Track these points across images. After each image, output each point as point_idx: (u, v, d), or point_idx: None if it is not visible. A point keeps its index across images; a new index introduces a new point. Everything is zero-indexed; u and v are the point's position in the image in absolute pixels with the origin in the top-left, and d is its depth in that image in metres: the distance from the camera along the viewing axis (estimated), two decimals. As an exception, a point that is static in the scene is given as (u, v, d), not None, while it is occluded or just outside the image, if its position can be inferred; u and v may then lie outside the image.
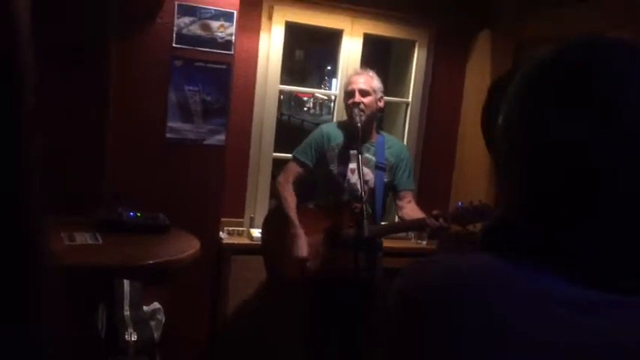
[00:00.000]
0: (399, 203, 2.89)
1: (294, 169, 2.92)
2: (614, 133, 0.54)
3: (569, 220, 0.57)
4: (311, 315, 2.94)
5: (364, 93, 2.76)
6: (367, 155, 2.80)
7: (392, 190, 2.90)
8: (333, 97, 3.71)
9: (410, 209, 2.82)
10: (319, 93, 10.91)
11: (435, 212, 2.62)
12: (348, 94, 2.80)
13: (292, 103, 10.89)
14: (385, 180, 2.84)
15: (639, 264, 0.55)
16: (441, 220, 2.58)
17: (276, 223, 2.90)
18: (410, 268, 0.67)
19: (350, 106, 2.77)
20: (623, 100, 0.55)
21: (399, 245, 3.51)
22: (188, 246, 2.20)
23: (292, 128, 8.81)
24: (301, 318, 2.97)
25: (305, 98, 11.46)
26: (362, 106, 2.74)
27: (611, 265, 0.55)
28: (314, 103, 11.09)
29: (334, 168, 2.84)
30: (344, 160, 2.84)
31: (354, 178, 2.80)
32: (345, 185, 2.83)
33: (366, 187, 2.64)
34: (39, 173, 0.49)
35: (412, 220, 2.74)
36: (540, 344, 0.52)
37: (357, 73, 2.89)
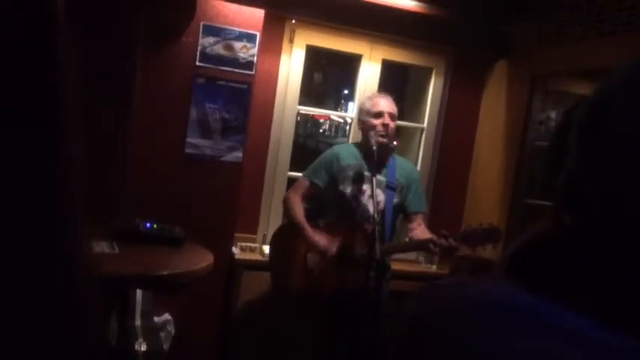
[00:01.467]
0: (410, 225, 2.91)
1: (303, 187, 2.94)
2: None
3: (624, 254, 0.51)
4: (318, 331, 2.95)
5: (392, 117, 2.80)
6: (378, 176, 2.81)
7: (402, 211, 2.92)
8: (349, 120, 3.76)
9: (420, 231, 2.83)
10: (335, 115, 10.97)
11: (443, 232, 2.63)
12: (375, 114, 2.79)
13: (308, 124, 10.96)
14: (395, 200, 2.86)
15: None
16: (450, 239, 2.60)
17: (284, 239, 2.93)
18: (420, 293, 0.64)
19: (371, 127, 2.79)
20: None
21: (408, 269, 3.54)
22: (202, 259, 2.25)
23: (308, 149, 8.88)
24: (309, 334, 2.98)
25: (321, 120, 11.53)
26: (390, 129, 2.77)
27: None
28: (330, 125, 11.15)
29: (345, 188, 2.86)
30: (355, 181, 2.87)
31: (364, 200, 2.84)
32: (355, 206, 2.85)
33: (378, 208, 2.67)
34: (84, 177, 0.48)
35: (421, 239, 2.74)
36: None
37: (380, 96, 2.89)
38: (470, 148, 3.89)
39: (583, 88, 3.89)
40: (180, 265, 2.16)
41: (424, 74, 3.83)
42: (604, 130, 0.55)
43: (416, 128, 3.85)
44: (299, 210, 2.88)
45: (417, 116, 3.87)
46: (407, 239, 3.05)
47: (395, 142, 2.81)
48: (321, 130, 12.09)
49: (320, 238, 2.79)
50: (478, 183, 3.84)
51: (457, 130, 3.83)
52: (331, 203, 2.93)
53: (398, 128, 3.43)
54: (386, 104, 2.82)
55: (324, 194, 2.94)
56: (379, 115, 2.78)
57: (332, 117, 11.89)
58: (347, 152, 2.95)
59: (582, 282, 0.53)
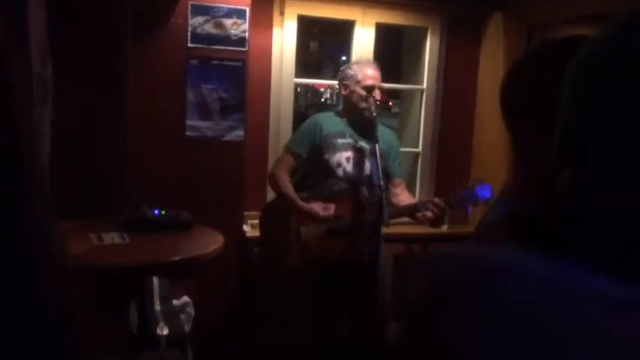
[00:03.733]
0: (394, 190, 2.93)
1: (287, 161, 2.92)
2: None
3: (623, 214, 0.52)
4: (321, 303, 2.97)
5: (381, 88, 2.84)
6: (362, 143, 2.82)
7: (385, 176, 2.92)
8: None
9: (404, 196, 2.91)
10: (334, 82, 10.88)
11: (434, 199, 2.64)
12: (367, 88, 2.78)
13: (309, 94, 10.89)
14: (380, 167, 2.86)
15: None
16: (436, 202, 2.59)
17: (273, 217, 2.94)
18: (431, 262, 0.63)
19: (361, 98, 2.78)
20: None
21: (412, 231, 3.52)
22: (212, 241, 2.26)
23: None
24: (311, 307, 3.01)
25: (322, 89, 11.42)
26: (379, 102, 2.77)
27: None
28: (331, 94, 11.06)
29: (329, 157, 2.83)
30: (340, 149, 2.84)
31: (352, 167, 2.83)
32: (341, 174, 2.83)
33: (364, 175, 2.68)
34: (46, 178, 0.49)
35: (409, 204, 2.80)
36: (565, 344, 0.47)
37: (369, 66, 2.87)
38: (472, 104, 3.85)
39: (584, 30, 3.83)
40: (191, 249, 2.18)
41: (419, 35, 3.77)
42: (600, 81, 0.54)
43: (416, 90, 3.81)
44: (287, 184, 2.86)
45: (415, 78, 3.83)
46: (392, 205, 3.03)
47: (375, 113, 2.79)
48: (322, 100, 12.00)
49: (315, 207, 2.78)
50: (483, 139, 3.82)
51: (457, 88, 3.79)
52: (318, 173, 2.91)
53: (397, 92, 3.41)
54: (378, 77, 2.82)
55: (309, 165, 2.92)
56: (371, 89, 2.78)
57: (333, 86, 11.82)
58: (329, 121, 2.93)
59: (595, 240, 0.53)
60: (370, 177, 2.80)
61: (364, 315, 2.84)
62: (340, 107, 3.12)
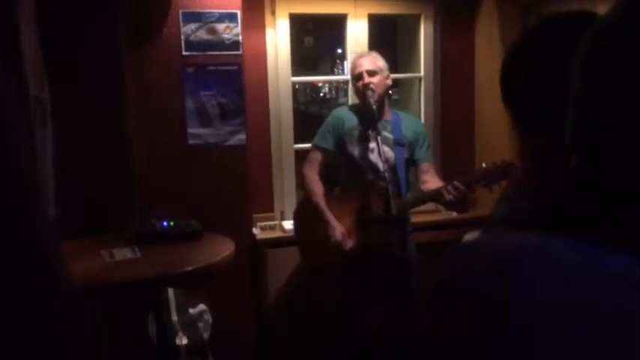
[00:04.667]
0: (422, 177, 2.92)
1: (316, 158, 2.98)
2: None
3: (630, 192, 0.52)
4: (350, 297, 2.98)
5: (371, 73, 2.80)
6: (385, 134, 2.83)
7: (412, 164, 2.93)
8: (347, 79, 3.72)
9: (433, 182, 2.85)
10: (331, 78, 10.89)
11: (454, 183, 2.63)
12: (356, 77, 2.83)
13: (308, 91, 10.87)
14: (405, 156, 2.88)
15: None
16: (458, 184, 2.60)
17: (306, 213, 2.95)
18: (447, 256, 0.63)
19: (360, 89, 2.81)
20: None
21: (430, 219, 3.54)
22: (223, 248, 2.26)
23: (311, 117, 8.82)
24: (341, 302, 3.01)
25: (319, 85, 11.41)
26: (372, 85, 2.77)
27: None
28: (329, 88, 11.04)
29: (353, 150, 2.89)
30: (362, 141, 2.88)
31: (374, 158, 2.84)
32: (366, 166, 2.87)
33: (386, 165, 2.68)
34: (47, 202, 0.51)
35: (433, 189, 2.76)
36: (588, 324, 0.48)
37: (360, 56, 2.92)
38: (471, 88, 3.83)
39: (579, 6, 3.79)
40: (203, 258, 2.17)
41: (413, 22, 3.75)
42: (608, 64, 0.53)
43: (414, 78, 3.79)
44: (318, 188, 2.91)
45: (412, 66, 3.81)
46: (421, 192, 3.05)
47: (376, 97, 2.77)
48: (321, 95, 11.98)
49: (335, 226, 2.80)
50: (485, 122, 3.80)
51: (455, 72, 3.77)
52: (342, 167, 2.95)
53: (395, 81, 3.38)
54: (364, 62, 2.82)
55: (336, 159, 2.96)
56: (359, 76, 2.81)
57: (329, 79, 11.78)
58: (347, 114, 2.98)
59: (612, 220, 0.53)
60: (395, 167, 2.80)
61: (397, 304, 2.85)
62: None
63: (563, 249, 0.53)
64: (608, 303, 0.48)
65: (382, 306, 2.97)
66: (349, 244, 2.78)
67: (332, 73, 11.49)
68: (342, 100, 11.50)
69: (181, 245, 2.36)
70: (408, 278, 2.86)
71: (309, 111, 10.24)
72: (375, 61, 2.82)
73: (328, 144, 2.95)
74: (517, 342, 0.50)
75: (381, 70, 2.82)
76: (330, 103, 12.46)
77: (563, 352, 0.48)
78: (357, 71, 2.82)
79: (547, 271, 0.52)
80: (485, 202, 3.67)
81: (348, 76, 3.68)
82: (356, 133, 2.88)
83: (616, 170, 0.53)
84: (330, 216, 2.82)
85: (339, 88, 11.49)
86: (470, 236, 3.27)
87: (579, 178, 0.57)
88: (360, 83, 2.80)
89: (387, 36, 4.20)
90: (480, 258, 0.59)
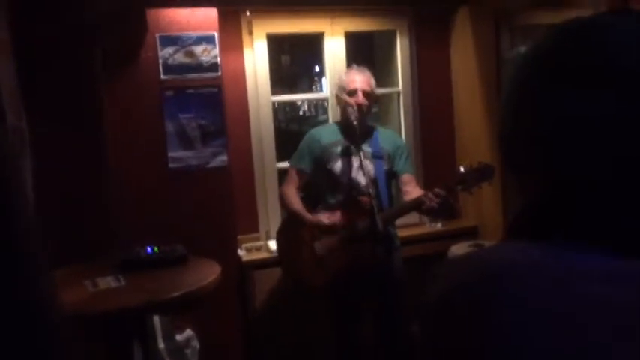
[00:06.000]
0: (404, 188, 2.91)
1: (293, 178, 2.96)
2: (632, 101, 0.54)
3: (601, 195, 0.56)
4: (337, 315, 2.96)
5: (367, 94, 2.80)
6: (364, 147, 2.81)
7: (393, 177, 2.92)
8: (326, 96, 3.73)
9: (415, 193, 2.82)
10: (311, 96, 10.94)
11: (435, 190, 2.63)
12: (350, 92, 2.80)
13: (287, 109, 10.89)
14: (385, 168, 2.87)
15: None
16: (436, 192, 2.59)
17: (288, 233, 2.93)
18: (440, 272, 0.66)
19: (349, 103, 2.79)
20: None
21: (415, 232, 3.55)
22: (209, 272, 2.23)
23: (291, 135, 8.83)
24: (330, 320, 2.99)
25: (298, 102, 11.44)
26: (363, 106, 2.78)
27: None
28: (308, 106, 11.07)
29: (333, 166, 2.86)
30: (344, 157, 2.86)
31: (355, 173, 2.83)
32: (347, 182, 2.85)
33: (369, 180, 2.67)
34: (38, 232, 0.50)
35: (413, 198, 2.73)
36: (573, 313, 0.52)
37: (356, 72, 2.88)
38: (449, 99, 3.86)
39: (548, 19, 3.86)
40: (189, 283, 2.15)
41: (389, 38, 3.78)
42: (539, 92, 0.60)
43: (392, 93, 3.82)
44: (295, 200, 2.89)
45: (390, 80, 3.84)
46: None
47: (360, 115, 2.77)
48: (300, 113, 12.02)
49: (320, 217, 2.79)
50: (464, 133, 3.83)
51: (432, 85, 3.81)
52: (324, 184, 2.93)
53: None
54: (361, 80, 2.82)
55: (315, 178, 2.94)
56: (353, 92, 2.80)
57: (307, 98, 11.85)
58: (326, 132, 2.96)
59: (585, 223, 0.57)
60: (376, 180, 2.80)
61: (386, 319, 2.83)
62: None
63: (548, 255, 0.56)
64: (585, 293, 0.52)
65: (371, 321, 2.96)
66: (331, 264, 2.76)
67: (310, 90, 11.56)
68: (321, 117, 11.54)
69: (167, 271, 2.33)
70: (394, 293, 2.85)
71: (289, 129, 10.26)
72: (370, 82, 2.84)
73: (304, 164, 2.92)
74: (513, 349, 0.52)
75: (372, 92, 2.84)
76: (309, 120, 12.50)
77: (561, 354, 0.50)
78: (352, 87, 2.80)
79: (537, 279, 0.55)
80: (469, 213, 3.70)
81: (327, 94, 3.71)
82: (337, 150, 2.87)
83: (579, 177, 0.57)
84: (310, 217, 2.81)
85: (317, 105, 11.54)
86: (456, 249, 3.28)
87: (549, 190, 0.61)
88: (352, 100, 2.78)
89: (364, 52, 4.23)
90: (472, 272, 0.61)
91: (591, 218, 0.57)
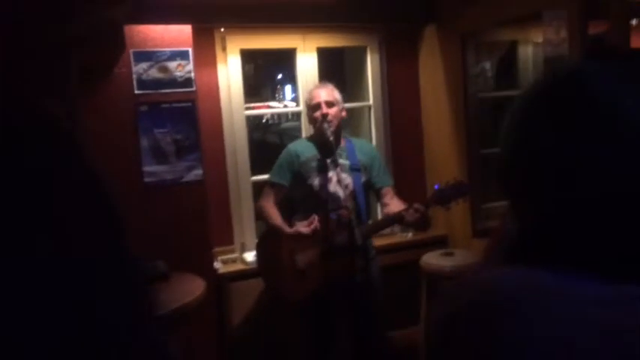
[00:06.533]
0: (383, 201, 2.99)
1: (271, 192, 3.00)
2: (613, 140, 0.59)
3: (590, 224, 0.61)
4: (316, 326, 3.02)
5: (329, 104, 2.86)
6: (340, 160, 2.88)
7: (371, 188, 3.00)
8: (298, 111, 3.79)
9: (394, 205, 2.91)
10: (274, 104, 10.96)
11: (414, 205, 2.73)
12: (314, 107, 2.88)
13: (251, 119, 10.89)
14: (362, 180, 2.93)
15: None
16: (416, 207, 2.70)
17: (268, 247, 2.96)
18: (446, 293, 0.71)
19: (317, 119, 2.86)
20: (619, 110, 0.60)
21: (388, 242, 3.64)
22: (194, 287, 2.26)
23: (255, 144, 8.85)
24: (309, 332, 3.04)
25: (262, 111, 11.46)
26: (329, 117, 2.83)
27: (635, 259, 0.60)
28: (272, 114, 11.14)
29: (312, 181, 2.91)
30: (321, 171, 2.92)
31: (333, 187, 2.90)
32: (325, 196, 2.91)
33: (346, 193, 2.74)
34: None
35: (394, 212, 2.82)
36: (566, 336, 0.56)
37: (317, 87, 2.97)
38: (418, 114, 3.99)
39: (511, 35, 4.03)
40: (174, 300, 2.17)
41: (360, 54, 3.88)
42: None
43: (363, 107, 3.92)
44: (274, 213, 2.93)
45: (361, 95, 3.94)
46: (383, 215, 3.13)
47: (333, 128, 2.84)
48: (264, 121, 12.04)
49: (299, 227, 2.83)
50: (432, 146, 3.95)
51: (402, 99, 3.92)
52: (303, 199, 2.98)
53: (346, 110, 3.45)
54: (321, 93, 2.89)
55: (294, 192, 2.99)
56: (317, 106, 2.87)
57: (271, 105, 11.90)
58: (303, 147, 3.01)
59: (576, 251, 0.62)
60: (354, 192, 2.86)
61: (363, 329, 2.90)
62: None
63: (551, 281, 0.62)
64: (579, 318, 0.57)
65: (347, 331, 3.02)
66: (311, 278, 2.82)
67: (273, 98, 11.60)
68: (284, 124, 11.58)
69: (149, 288, 2.34)
70: (372, 302, 2.93)
71: (253, 138, 10.30)
72: (332, 93, 2.90)
73: (283, 179, 2.97)
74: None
75: (338, 102, 2.89)
76: (271, 128, 12.52)
77: None
78: (315, 102, 2.87)
79: (542, 303, 0.60)
80: (439, 223, 3.82)
81: (300, 108, 3.77)
82: (314, 164, 2.93)
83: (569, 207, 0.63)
84: (290, 228, 2.85)
85: (280, 114, 11.60)
86: (428, 257, 3.39)
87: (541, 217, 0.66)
88: (318, 113, 2.85)
89: (336, 67, 4.32)
90: (480, 293, 0.66)
91: (583, 245, 0.62)
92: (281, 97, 12.66)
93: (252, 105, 6.06)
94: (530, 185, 0.67)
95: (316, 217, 2.81)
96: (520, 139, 0.68)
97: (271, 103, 12.98)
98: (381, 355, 2.94)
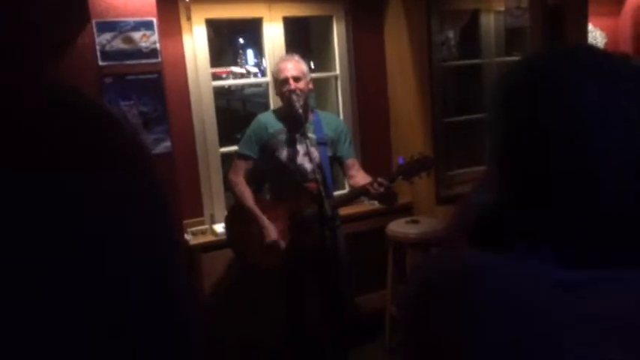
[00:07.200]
0: (349, 173, 3.06)
1: (241, 165, 3.03)
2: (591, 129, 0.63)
3: (557, 207, 0.65)
4: (288, 294, 3.10)
5: (297, 79, 2.87)
6: (309, 134, 2.92)
7: (336, 161, 3.07)
8: (266, 82, 3.78)
9: (360, 177, 3.00)
10: (236, 69, 10.83)
11: (378, 179, 2.81)
12: (282, 82, 2.89)
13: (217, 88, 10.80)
14: (329, 154, 3.00)
15: (626, 241, 0.62)
16: (381, 180, 2.78)
17: (238, 217, 3.01)
18: (425, 263, 0.80)
19: (285, 94, 2.88)
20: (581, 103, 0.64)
21: (355, 210, 3.72)
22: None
23: (224, 112, 8.80)
24: (278, 298, 3.13)
25: (224, 75, 11.33)
26: (298, 91, 2.86)
27: (598, 245, 0.63)
28: (233, 79, 11.03)
29: (280, 154, 2.95)
30: (289, 145, 2.96)
31: (300, 160, 2.94)
32: (294, 168, 2.96)
33: (314, 164, 2.79)
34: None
35: (361, 185, 2.91)
36: (538, 319, 0.61)
37: (284, 60, 2.97)
38: (384, 83, 4.03)
39: (475, 3, 4.09)
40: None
41: (326, 23, 3.87)
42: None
43: (329, 77, 3.93)
44: (246, 193, 2.97)
45: (328, 65, 3.95)
46: (348, 187, 3.21)
47: (302, 101, 2.86)
48: (226, 87, 11.93)
49: (271, 231, 2.89)
50: (398, 115, 4.02)
51: (368, 69, 3.95)
52: (271, 171, 3.03)
53: (313, 81, 3.47)
54: (288, 67, 2.89)
55: (262, 164, 3.02)
56: (285, 81, 2.88)
57: (233, 71, 11.75)
58: (271, 119, 3.03)
59: (531, 237, 0.67)
60: (321, 165, 2.91)
61: (331, 295, 3.00)
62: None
63: (508, 261, 0.67)
64: (531, 300, 0.62)
65: (316, 298, 3.12)
66: (283, 244, 2.89)
67: (235, 63, 11.46)
68: (247, 90, 11.48)
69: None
70: (340, 270, 3.02)
71: (216, 105, 10.20)
72: (299, 66, 2.90)
73: (252, 151, 2.99)
74: (490, 338, 0.62)
75: (305, 75, 2.91)
76: (235, 94, 12.40)
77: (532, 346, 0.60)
78: (283, 76, 2.88)
79: (498, 276, 0.66)
80: (404, 191, 3.91)
81: (267, 79, 3.76)
82: (283, 137, 2.96)
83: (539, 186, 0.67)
84: (263, 219, 2.91)
85: (243, 78, 11.48)
86: (394, 225, 3.49)
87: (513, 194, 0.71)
88: (285, 88, 2.87)
89: (302, 37, 4.31)
90: (452, 266, 0.72)
91: (548, 230, 0.66)
92: (243, 62, 12.51)
93: (215, 70, 5.99)
94: (507, 157, 0.70)
95: (277, 232, 2.88)
96: (501, 115, 0.72)
97: (234, 68, 12.83)
98: (350, 319, 3.05)
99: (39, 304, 0.36)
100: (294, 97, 2.84)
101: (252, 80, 5.30)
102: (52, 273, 0.37)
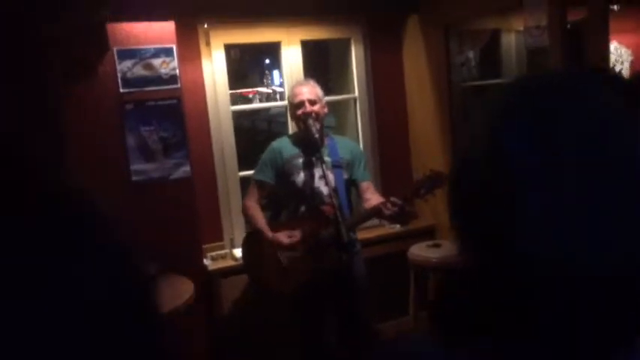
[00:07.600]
0: (365, 196, 3.02)
1: (254, 190, 3.03)
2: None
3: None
4: (303, 321, 3.06)
5: (312, 102, 2.87)
6: (324, 158, 2.90)
7: (352, 184, 3.03)
8: (278, 90, 3.80)
9: (375, 199, 2.94)
10: (262, 89, 10.89)
11: (391, 199, 2.76)
12: (297, 105, 2.88)
13: (239, 102, 10.84)
14: (345, 177, 2.97)
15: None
16: (393, 201, 2.71)
17: (252, 245, 3.00)
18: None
19: (301, 117, 2.87)
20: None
21: (376, 234, 3.68)
22: (183, 290, 2.28)
23: (249, 132, 8.86)
24: (295, 325, 3.09)
25: (250, 96, 11.41)
26: (313, 114, 2.85)
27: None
28: (260, 99, 11.06)
29: (295, 178, 2.94)
30: (305, 168, 2.95)
31: (317, 184, 2.93)
32: (310, 192, 2.93)
33: (330, 188, 2.77)
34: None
35: (372, 207, 2.85)
36: None
37: (300, 85, 2.97)
38: (403, 105, 4.00)
39: (494, 23, 4.05)
40: (164, 304, 2.19)
41: (344, 46, 3.88)
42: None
43: (349, 99, 3.93)
44: (257, 215, 2.96)
45: (346, 87, 3.95)
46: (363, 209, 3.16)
47: (318, 125, 2.85)
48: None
49: (280, 236, 2.86)
50: (418, 136, 3.98)
51: (387, 91, 3.94)
52: (287, 195, 3.01)
53: (332, 104, 3.47)
54: (304, 91, 2.89)
55: (278, 190, 3.01)
56: (300, 105, 2.87)
57: (260, 91, 11.83)
58: (286, 144, 3.02)
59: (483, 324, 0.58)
60: (336, 188, 2.89)
61: (349, 320, 2.96)
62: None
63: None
64: None
65: (335, 325, 3.07)
66: (297, 274, 2.86)
67: (261, 84, 11.56)
68: (272, 111, 11.55)
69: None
70: (358, 297, 2.97)
71: (243, 125, 10.26)
72: (315, 90, 2.90)
73: (266, 177, 2.99)
74: None
75: (320, 99, 2.90)
76: (260, 114, 12.47)
77: None
78: (298, 99, 2.88)
79: None
80: (426, 213, 3.86)
81: (286, 102, 3.77)
82: (298, 162, 2.94)
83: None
84: (272, 234, 2.88)
85: (269, 97, 11.58)
86: (415, 249, 3.44)
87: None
88: (301, 111, 2.86)
89: (321, 60, 4.32)
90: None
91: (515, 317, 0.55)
92: (269, 81, 12.58)
93: (242, 91, 6.03)
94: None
95: (298, 231, 2.85)
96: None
97: (260, 89, 12.94)
98: (369, 345, 3.00)
99: (39, 304, 0.36)
100: (310, 120, 2.83)
101: (269, 104, 5.30)
102: (52, 273, 0.37)
